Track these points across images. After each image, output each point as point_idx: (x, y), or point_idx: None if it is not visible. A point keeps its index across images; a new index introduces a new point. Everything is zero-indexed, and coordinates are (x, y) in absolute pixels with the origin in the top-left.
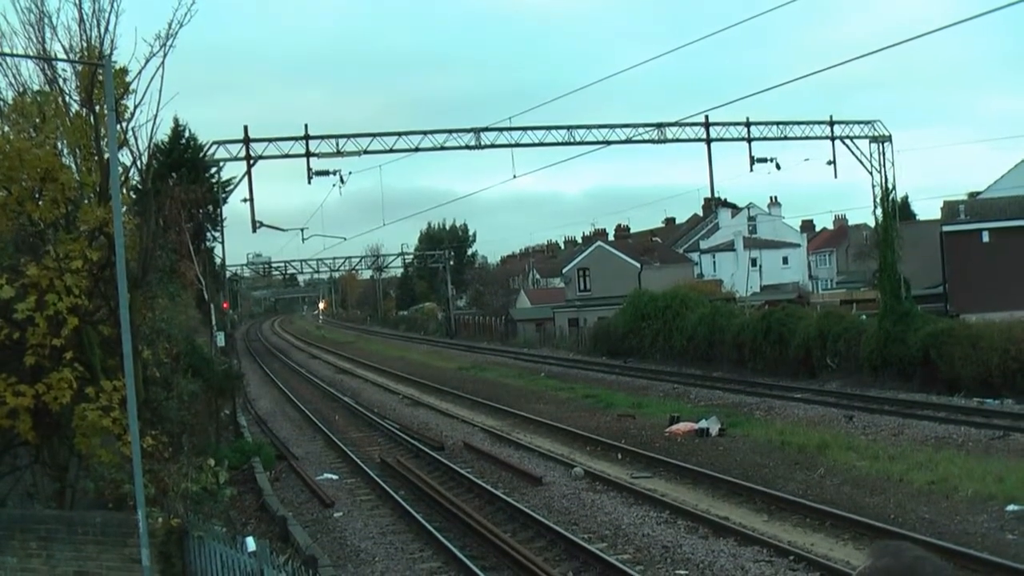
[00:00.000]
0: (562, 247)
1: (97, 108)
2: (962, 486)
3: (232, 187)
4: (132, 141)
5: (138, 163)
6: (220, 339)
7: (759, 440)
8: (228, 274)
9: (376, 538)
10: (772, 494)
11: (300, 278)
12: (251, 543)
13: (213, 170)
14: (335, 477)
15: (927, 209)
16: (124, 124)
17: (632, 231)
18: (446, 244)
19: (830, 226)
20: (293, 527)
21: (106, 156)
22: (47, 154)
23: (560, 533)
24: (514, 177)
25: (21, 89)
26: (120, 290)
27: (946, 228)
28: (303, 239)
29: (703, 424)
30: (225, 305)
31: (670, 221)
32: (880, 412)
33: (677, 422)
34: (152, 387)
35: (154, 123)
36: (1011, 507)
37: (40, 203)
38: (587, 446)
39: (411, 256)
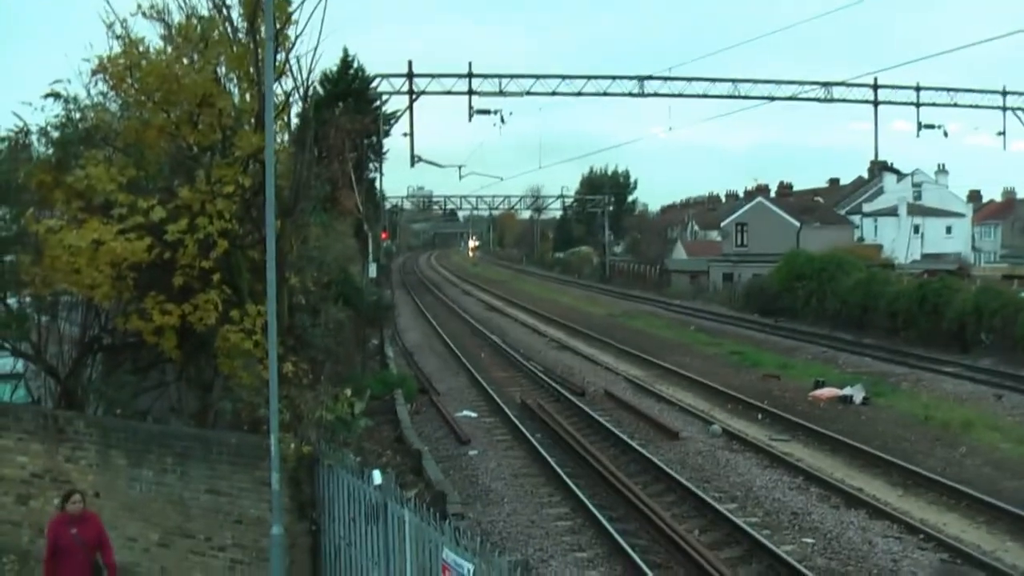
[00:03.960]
0: (723, 200)
1: (259, 36)
2: None
3: (395, 120)
4: (294, 70)
5: (298, 92)
6: (372, 270)
7: (903, 412)
8: (388, 206)
9: (507, 479)
10: (909, 469)
11: (460, 214)
12: (377, 476)
13: (377, 103)
14: (474, 415)
15: None
16: (285, 53)
17: (795, 189)
18: (606, 189)
19: (998, 198)
20: (427, 462)
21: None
22: (205, 79)
23: (690, 490)
24: (670, 129)
25: (189, 13)
26: (268, 217)
27: None
28: (460, 176)
29: (847, 391)
30: (384, 236)
31: (834, 182)
32: None
33: (822, 387)
34: (298, 313)
35: (314, 53)
36: None
37: (198, 127)
38: (728, 404)
39: (570, 199)
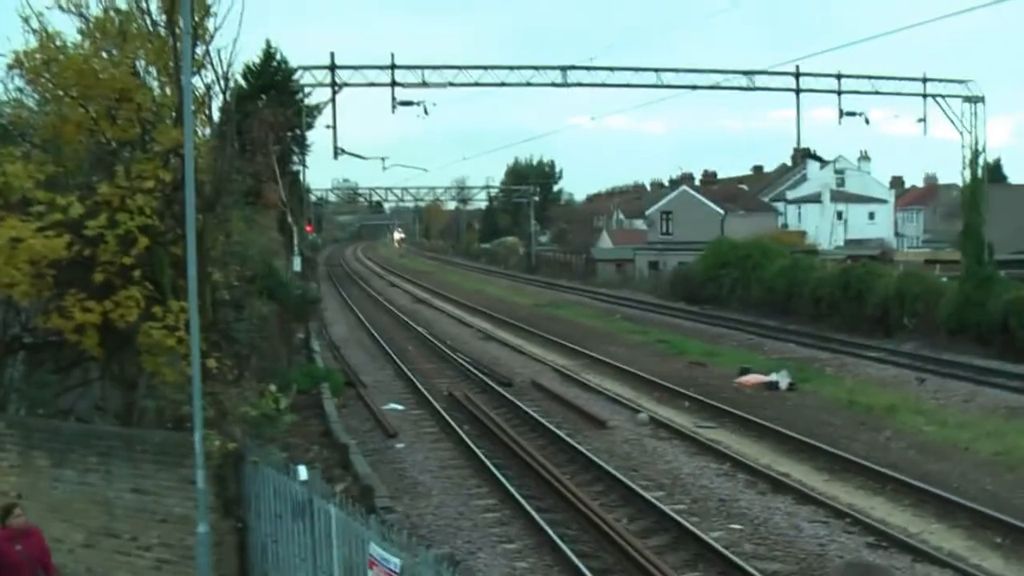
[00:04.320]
0: (648, 189)
1: (177, 29)
2: None
3: (318, 112)
4: (216, 63)
5: (219, 85)
6: (296, 263)
7: (828, 397)
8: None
9: (435, 471)
10: (835, 453)
11: (386, 206)
12: (303, 471)
13: (300, 95)
14: (401, 408)
15: (1021, 173)
16: (205, 46)
17: (719, 177)
18: (532, 180)
19: (920, 184)
20: (354, 455)
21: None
22: (124, 74)
23: (618, 479)
24: (592, 119)
25: (106, 6)
26: (187, 211)
27: None
28: (383, 167)
29: (773, 377)
30: (309, 228)
31: (758, 169)
32: (953, 377)
33: (747, 373)
34: (222, 309)
35: (234, 46)
36: None
37: (117, 122)
38: (655, 392)
39: (496, 190)
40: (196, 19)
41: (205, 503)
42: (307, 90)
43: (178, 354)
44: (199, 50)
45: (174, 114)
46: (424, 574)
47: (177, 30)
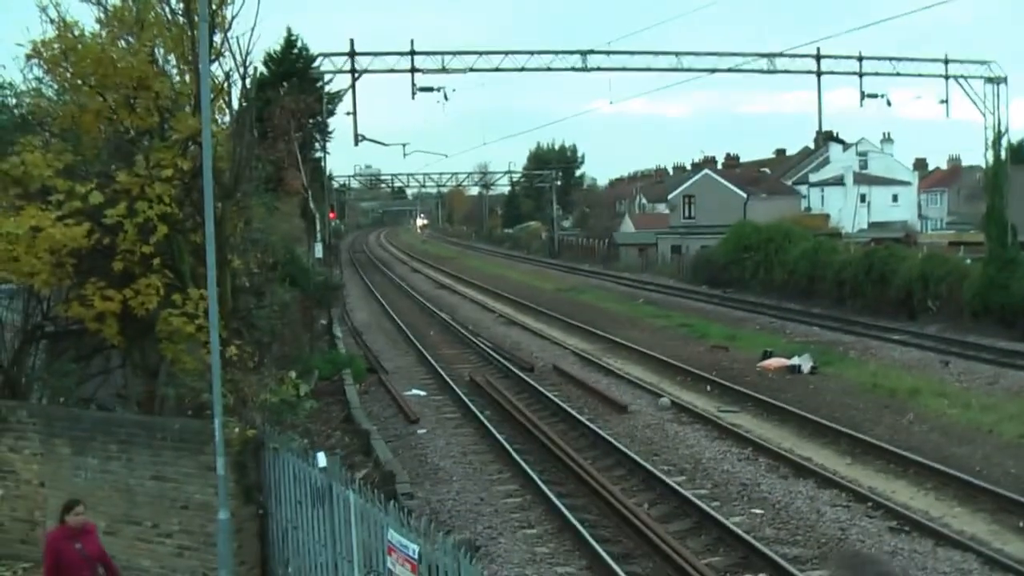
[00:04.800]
0: (670, 173)
1: (195, 17)
2: None
3: (339, 99)
4: (234, 50)
5: (238, 72)
6: (318, 250)
7: (851, 381)
8: (336, 185)
9: (456, 457)
10: (858, 437)
11: (408, 192)
12: (322, 459)
13: (321, 82)
14: (423, 393)
15: None
16: (223, 34)
17: (742, 160)
18: (554, 164)
19: (944, 166)
20: (376, 441)
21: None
22: (141, 62)
23: (639, 463)
24: (611, 103)
25: None
26: (206, 199)
27: None
28: (404, 154)
29: (795, 361)
30: (332, 215)
31: (780, 152)
32: (977, 359)
33: (770, 357)
34: (242, 296)
35: (251, 33)
36: None
37: (135, 111)
38: (677, 376)
39: (518, 175)
40: (213, 6)
41: (225, 490)
42: (328, 77)
43: (198, 341)
44: (217, 38)
45: (192, 102)
46: (442, 561)
47: (195, 18)
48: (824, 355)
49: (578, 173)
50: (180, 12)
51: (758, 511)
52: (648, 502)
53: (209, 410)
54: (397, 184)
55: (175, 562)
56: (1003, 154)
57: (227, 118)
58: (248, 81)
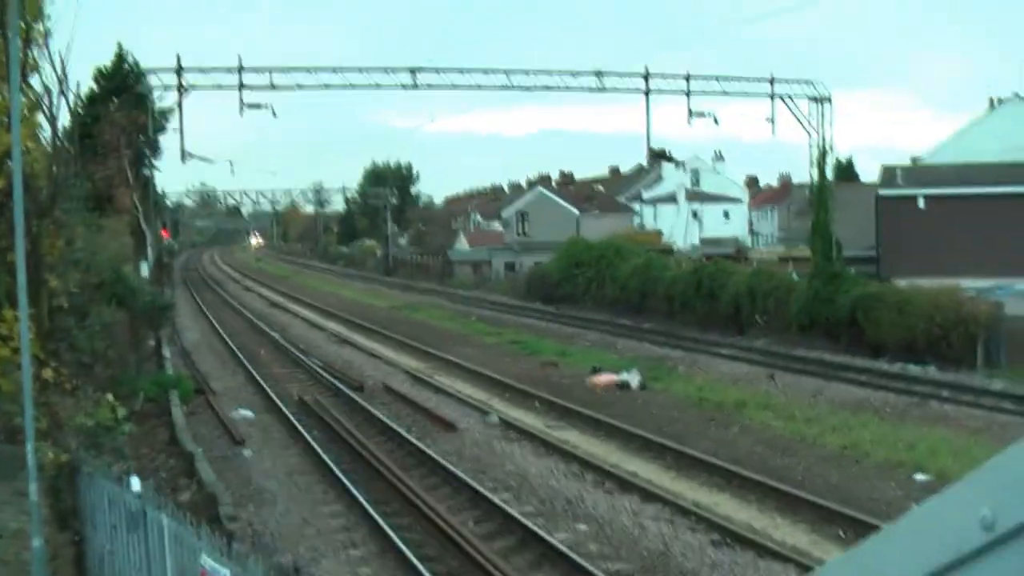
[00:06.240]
0: (506, 191)
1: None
2: (873, 452)
3: (169, 116)
4: (56, 66)
5: (57, 88)
6: (144, 269)
7: (678, 395)
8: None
9: (282, 478)
10: (683, 451)
11: (243, 210)
12: (136, 483)
13: (150, 98)
14: (251, 414)
15: (874, 172)
16: (42, 49)
17: (577, 178)
18: (390, 182)
19: (775, 183)
20: (200, 463)
21: None
22: None
23: (465, 481)
24: (432, 120)
25: None
26: (16, 218)
27: (882, 192)
28: (232, 171)
29: (624, 376)
30: (165, 233)
31: (615, 170)
32: (803, 372)
33: (599, 373)
34: (61, 316)
35: (65, 49)
36: (919, 476)
37: None
38: (506, 393)
39: (353, 192)
40: (25, 22)
41: (39, 517)
42: (157, 93)
43: (14, 364)
44: (31, 53)
45: (6, 118)
46: None
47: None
48: (653, 370)
49: (414, 191)
50: None
51: (582, 527)
52: (474, 520)
53: (22, 434)
54: (231, 202)
55: None
56: (828, 172)
57: (48, 135)
58: (69, 97)
